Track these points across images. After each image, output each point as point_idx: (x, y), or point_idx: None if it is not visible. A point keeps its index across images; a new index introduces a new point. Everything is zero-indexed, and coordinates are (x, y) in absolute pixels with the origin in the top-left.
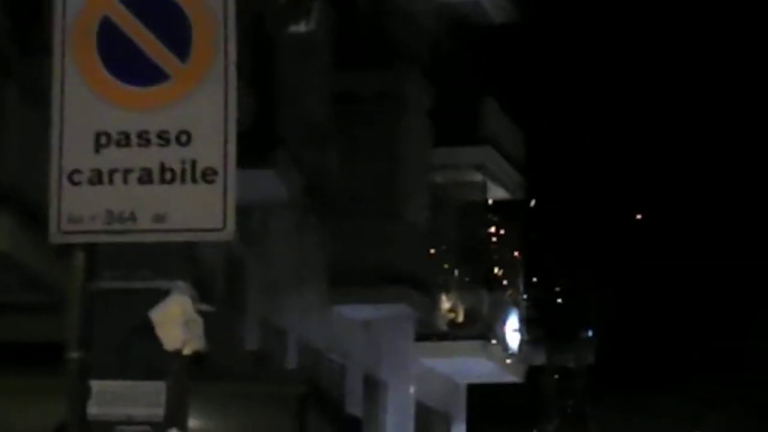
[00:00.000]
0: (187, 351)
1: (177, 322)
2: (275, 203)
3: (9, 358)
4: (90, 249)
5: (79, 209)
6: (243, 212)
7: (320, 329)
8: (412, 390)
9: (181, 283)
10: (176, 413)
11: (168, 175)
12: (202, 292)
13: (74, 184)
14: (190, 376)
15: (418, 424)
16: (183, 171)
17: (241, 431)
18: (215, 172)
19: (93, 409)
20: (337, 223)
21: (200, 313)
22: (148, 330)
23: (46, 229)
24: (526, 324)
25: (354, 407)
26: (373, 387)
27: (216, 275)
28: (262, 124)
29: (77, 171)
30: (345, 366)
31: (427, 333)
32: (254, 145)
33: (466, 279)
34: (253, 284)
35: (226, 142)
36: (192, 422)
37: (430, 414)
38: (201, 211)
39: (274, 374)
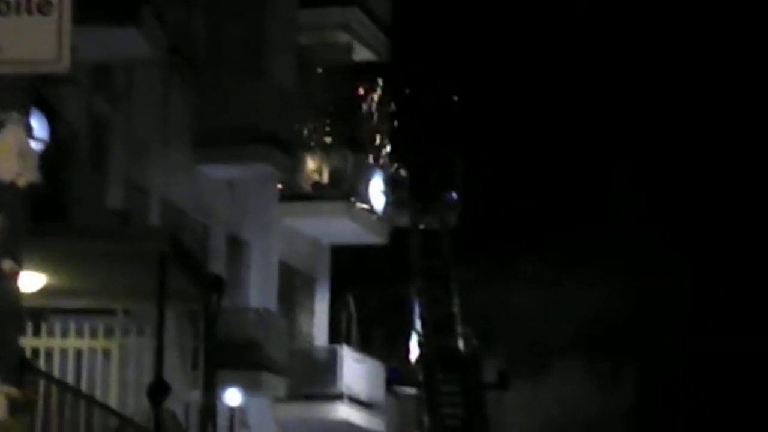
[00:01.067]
0: (21, 183)
1: (11, 153)
2: (140, 62)
3: None
4: None
5: None
6: (106, 70)
7: (184, 189)
8: (275, 250)
9: (15, 115)
10: (11, 245)
11: (3, 7)
12: (65, 151)
13: None
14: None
15: (282, 284)
16: (18, 2)
17: (103, 288)
18: (50, 4)
19: None
20: (203, 82)
21: (35, 144)
22: None
23: None
24: (390, 186)
25: (217, 266)
26: (236, 247)
27: (79, 134)
28: None
29: None
30: (208, 226)
31: (291, 194)
32: (118, 1)
33: (332, 140)
34: (116, 143)
35: None
36: (54, 279)
37: (294, 274)
38: (36, 43)
39: (136, 232)
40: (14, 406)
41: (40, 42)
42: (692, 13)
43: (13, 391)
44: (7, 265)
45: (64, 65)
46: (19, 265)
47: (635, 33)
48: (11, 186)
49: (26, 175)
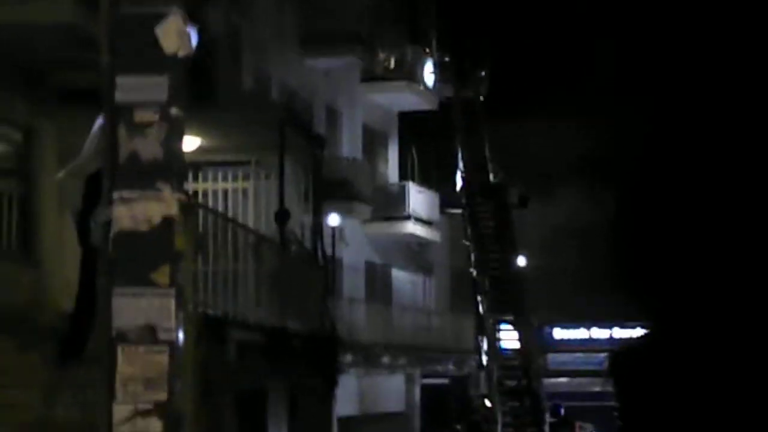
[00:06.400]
0: (180, 54)
1: (173, 32)
2: None
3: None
4: None
5: None
6: None
7: (295, 75)
8: (359, 116)
9: (176, 8)
10: (176, 98)
11: None
12: (210, 51)
13: None
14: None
15: (365, 140)
16: None
17: (240, 146)
18: None
19: None
20: None
21: (192, 28)
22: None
23: None
24: (438, 67)
25: (320, 129)
26: (332, 115)
27: (219, 38)
28: None
29: None
30: (312, 101)
31: (369, 77)
32: None
33: (396, 37)
34: (246, 44)
35: None
36: (206, 141)
37: (373, 133)
38: None
39: (264, 105)
40: (182, 207)
41: None
42: None
43: (182, 196)
44: (174, 111)
45: None
46: (183, 118)
47: None
48: (173, 56)
49: (184, 49)
